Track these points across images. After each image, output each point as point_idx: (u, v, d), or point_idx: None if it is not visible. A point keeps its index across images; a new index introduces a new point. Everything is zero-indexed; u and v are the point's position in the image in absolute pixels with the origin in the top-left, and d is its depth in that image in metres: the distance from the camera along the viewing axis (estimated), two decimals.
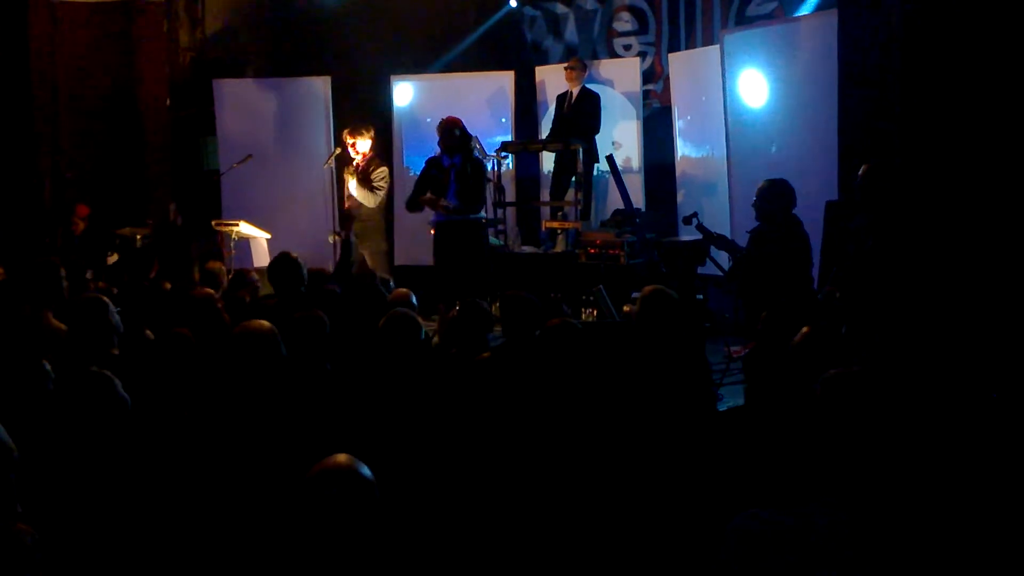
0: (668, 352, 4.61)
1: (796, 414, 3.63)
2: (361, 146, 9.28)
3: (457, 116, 8.52)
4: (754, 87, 9.21)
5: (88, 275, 9.17)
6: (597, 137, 10.17)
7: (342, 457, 2.75)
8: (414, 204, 8.47)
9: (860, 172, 6.50)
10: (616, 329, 6.94)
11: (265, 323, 4.09)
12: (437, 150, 8.46)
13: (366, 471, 2.71)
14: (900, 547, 2.44)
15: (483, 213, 8.53)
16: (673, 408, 4.17)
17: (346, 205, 9.40)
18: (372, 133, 9.39)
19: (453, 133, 8.28)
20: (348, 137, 9.36)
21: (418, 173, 9.09)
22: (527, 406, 4.03)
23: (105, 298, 4.95)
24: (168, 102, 11.96)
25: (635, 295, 5.84)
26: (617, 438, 3.90)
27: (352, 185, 9.19)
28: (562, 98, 10.47)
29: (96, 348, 4.65)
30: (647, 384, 4.29)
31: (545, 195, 10.99)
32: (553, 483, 3.64)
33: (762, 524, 2.44)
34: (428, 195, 8.31)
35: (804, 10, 9.79)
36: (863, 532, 2.41)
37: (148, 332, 5.22)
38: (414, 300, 5.91)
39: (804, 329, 4.11)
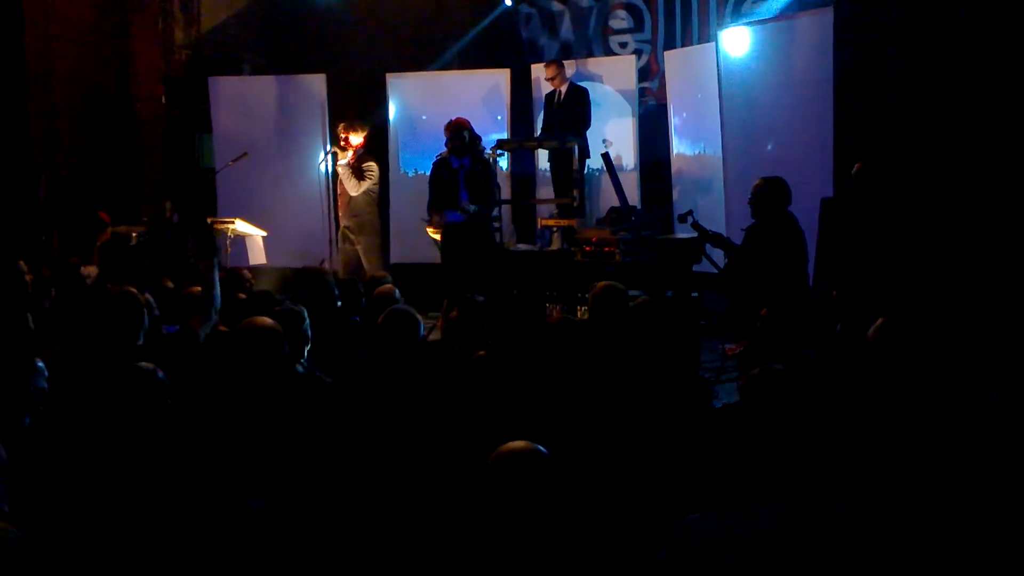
0: (631, 351, 4.61)
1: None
2: (353, 140, 9.31)
3: (453, 114, 8.56)
4: (750, 84, 9.21)
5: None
6: (589, 134, 10.18)
7: (520, 443, 2.77)
8: (431, 215, 8.59)
9: (854, 170, 6.52)
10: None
11: (268, 320, 4.10)
12: (443, 150, 8.51)
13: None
14: (850, 549, 2.42)
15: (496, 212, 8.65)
16: (661, 405, 4.17)
17: (340, 202, 9.43)
18: (367, 132, 9.41)
19: (462, 135, 8.34)
20: (343, 131, 9.39)
21: (414, 171, 9.18)
22: (523, 403, 4.03)
23: (136, 291, 4.98)
24: (164, 99, 11.94)
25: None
26: (606, 434, 3.90)
27: (342, 164, 9.25)
28: (551, 96, 10.47)
29: (124, 341, 4.68)
30: (625, 382, 4.28)
31: (540, 192, 10.99)
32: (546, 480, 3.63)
33: (706, 525, 2.43)
34: (435, 218, 8.41)
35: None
36: (811, 533, 2.39)
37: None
38: (398, 295, 5.89)
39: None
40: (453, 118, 8.57)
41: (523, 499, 2.66)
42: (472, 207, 8.22)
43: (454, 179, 8.34)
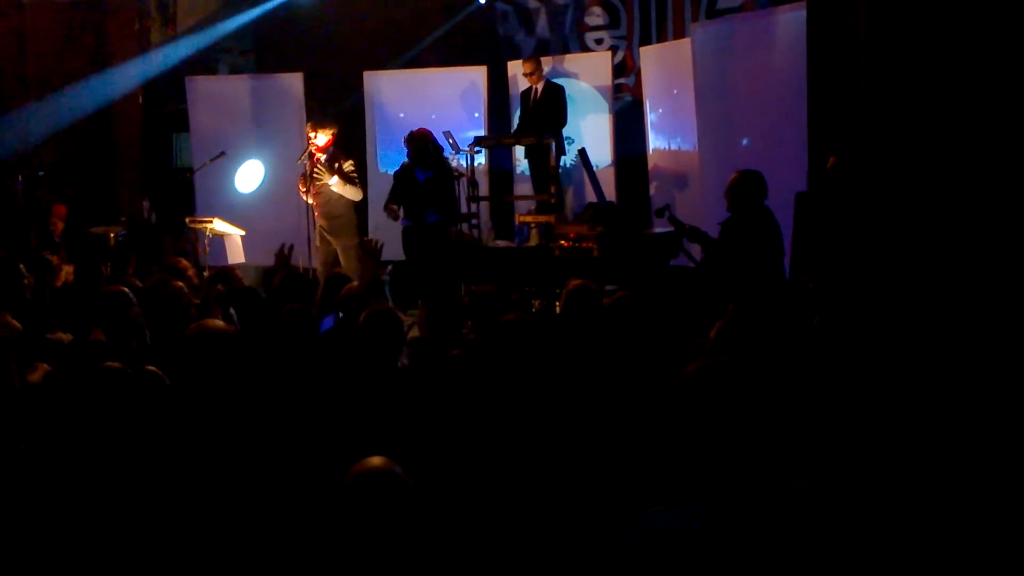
0: (599, 347, 4.65)
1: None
2: (319, 140, 9.30)
3: (430, 111, 8.64)
4: (724, 80, 9.27)
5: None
6: (565, 130, 10.24)
7: (377, 460, 2.77)
8: (387, 210, 8.79)
9: (829, 164, 6.59)
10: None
11: (219, 322, 4.11)
12: (406, 160, 8.66)
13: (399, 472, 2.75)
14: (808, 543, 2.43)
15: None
16: (640, 399, 4.21)
17: (310, 201, 9.39)
18: (335, 130, 9.41)
19: (427, 148, 8.46)
20: (310, 130, 9.41)
21: (390, 170, 9.22)
22: (492, 402, 4.07)
23: (127, 290, 5.01)
24: (140, 99, 11.91)
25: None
26: (582, 429, 3.94)
27: (334, 181, 9.20)
28: (527, 93, 10.50)
29: (119, 342, 4.69)
30: (601, 377, 4.32)
31: (518, 189, 11.03)
32: (520, 479, 3.67)
33: (665, 520, 2.43)
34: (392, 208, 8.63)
35: None
36: (777, 526, 2.40)
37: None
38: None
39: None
40: (414, 129, 8.72)
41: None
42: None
43: (418, 190, 8.52)
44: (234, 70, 12.30)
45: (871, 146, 7.17)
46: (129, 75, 11.72)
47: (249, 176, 11.18)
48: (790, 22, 8.60)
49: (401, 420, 3.97)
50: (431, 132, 8.64)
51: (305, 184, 9.24)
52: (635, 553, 2.38)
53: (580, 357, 4.53)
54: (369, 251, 5.82)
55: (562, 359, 4.41)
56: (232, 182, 10.92)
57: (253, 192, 11.03)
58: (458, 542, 3.16)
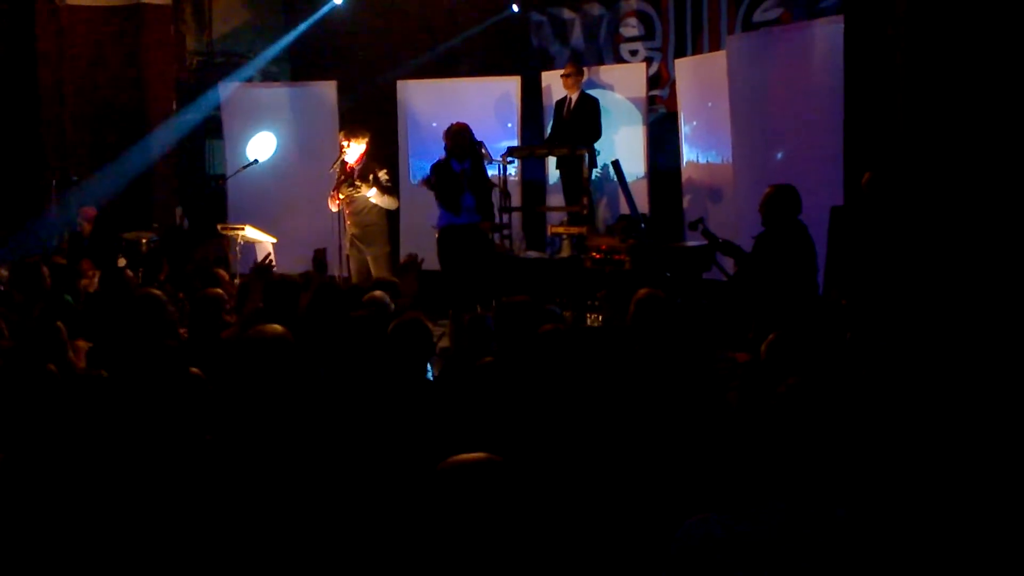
0: (665, 356, 4.61)
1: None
2: (353, 151, 9.23)
3: (463, 121, 8.60)
4: (760, 93, 9.20)
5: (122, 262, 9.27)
6: (599, 144, 10.18)
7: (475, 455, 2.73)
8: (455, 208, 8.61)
9: (863, 180, 6.52)
10: (619, 333, 6.94)
11: (278, 327, 4.09)
12: (442, 155, 8.55)
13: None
14: (856, 552, 2.42)
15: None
16: (673, 412, 4.17)
17: (335, 209, 9.38)
18: (368, 138, 9.37)
19: (463, 139, 8.37)
20: (343, 139, 9.38)
21: (421, 178, 9.19)
22: (525, 411, 4.04)
23: (160, 293, 5.04)
24: (175, 105, 11.99)
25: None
26: (613, 443, 3.90)
27: (372, 193, 9.17)
28: (561, 103, 10.46)
29: (154, 342, 4.71)
30: (645, 389, 4.28)
31: (551, 200, 10.99)
32: (550, 489, 3.63)
33: (711, 529, 2.43)
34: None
35: None
36: (818, 536, 2.39)
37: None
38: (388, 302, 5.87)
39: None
40: (453, 123, 8.66)
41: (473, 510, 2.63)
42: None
43: (457, 183, 8.40)
44: (267, 78, 12.35)
45: (908, 162, 7.08)
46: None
47: (262, 146, 11.20)
48: (827, 35, 8.52)
49: (431, 430, 3.94)
50: (468, 126, 8.58)
51: (338, 193, 9.21)
52: (677, 560, 2.38)
53: (645, 365, 4.49)
54: (408, 265, 5.77)
55: (632, 367, 4.38)
56: (264, 189, 10.94)
57: (266, 162, 10.98)
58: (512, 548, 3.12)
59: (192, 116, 11.94)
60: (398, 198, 9.54)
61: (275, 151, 11.26)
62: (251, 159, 10.32)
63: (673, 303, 5.09)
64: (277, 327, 4.09)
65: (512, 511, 2.58)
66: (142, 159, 11.64)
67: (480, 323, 5.14)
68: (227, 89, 11.46)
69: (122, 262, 9.46)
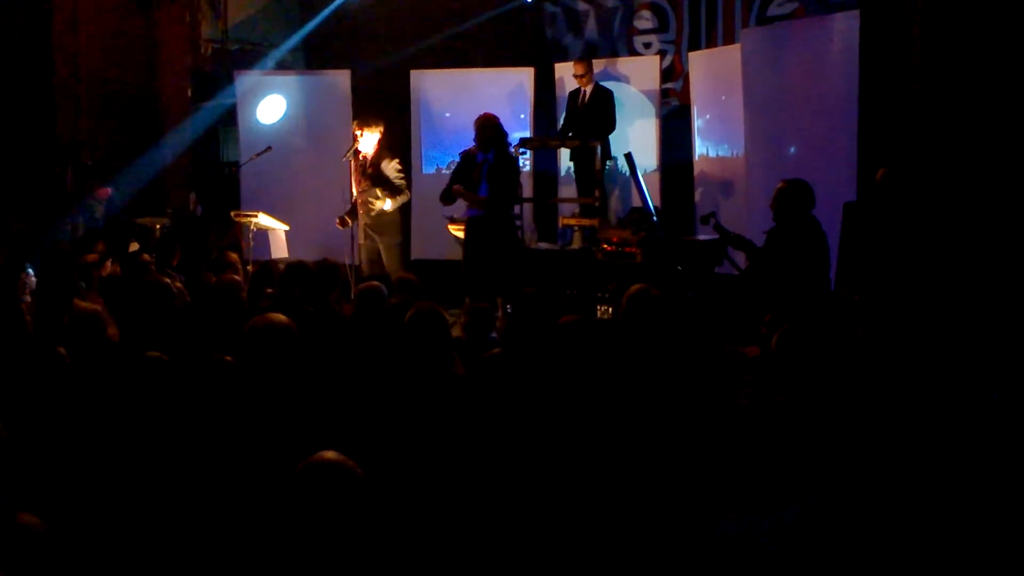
0: (658, 352, 4.61)
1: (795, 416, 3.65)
2: (367, 140, 9.25)
3: (476, 111, 8.63)
4: (774, 86, 9.18)
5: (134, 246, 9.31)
6: (612, 136, 10.17)
7: (330, 453, 2.81)
8: (447, 195, 8.56)
9: (877, 176, 6.50)
10: (609, 327, 6.95)
11: (282, 316, 4.11)
12: (469, 146, 8.58)
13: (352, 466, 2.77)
14: (887, 550, 2.44)
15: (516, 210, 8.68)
16: (680, 405, 4.18)
17: (354, 199, 9.41)
18: (382, 127, 9.38)
19: (489, 129, 8.37)
20: (356, 128, 9.39)
21: (435, 169, 9.18)
22: (539, 402, 4.05)
23: (168, 281, 5.09)
24: (189, 93, 12.00)
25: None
26: (622, 435, 3.91)
27: (388, 206, 9.20)
28: (575, 94, 10.45)
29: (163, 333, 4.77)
30: (649, 382, 4.29)
31: (563, 192, 10.99)
32: (559, 481, 3.65)
33: (746, 528, 2.44)
34: (459, 186, 8.41)
35: None
36: (847, 534, 2.41)
37: None
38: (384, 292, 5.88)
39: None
40: (482, 113, 8.65)
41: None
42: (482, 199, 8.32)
43: (475, 172, 8.41)
44: (282, 66, 12.36)
45: (923, 158, 7.07)
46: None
47: (271, 109, 11.21)
48: (843, 29, 8.49)
49: (450, 421, 3.96)
50: (496, 117, 8.59)
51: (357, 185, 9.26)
52: (714, 556, 2.40)
53: (641, 360, 4.50)
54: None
55: (623, 362, 4.38)
56: (278, 177, 10.95)
57: (275, 124, 10.96)
58: (517, 542, 3.15)
59: (213, 106, 11.97)
60: (409, 190, 9.54)
61: (283, 114, 11.27)
62: (265, 146, 10.32)
63: (668, 299, 5.06)
64: (282, 316, 4.12)
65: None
66: (160, 152, 11.69)
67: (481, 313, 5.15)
68: (242, 78, 11.47)
69: (134, 247, 9.49)
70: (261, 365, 3.89)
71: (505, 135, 8.55)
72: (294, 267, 5.94)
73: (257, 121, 11.28)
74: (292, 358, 3.96)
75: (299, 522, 2.69)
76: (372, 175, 9.22)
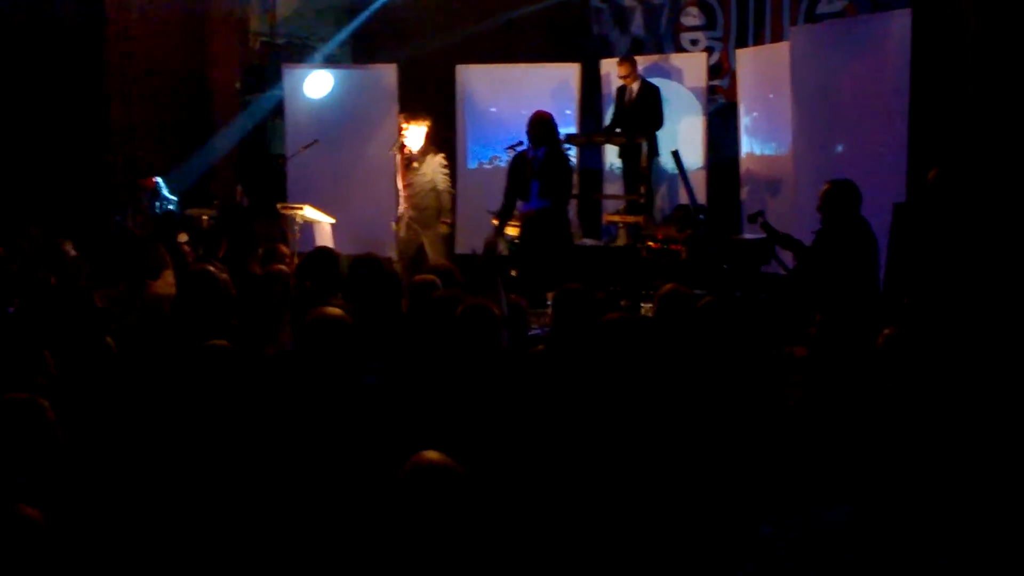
0: (691, 352, 4.59)
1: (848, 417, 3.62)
2: (413, 135, 9.29)
3: (522, 107, 8.67)
4: (823, 84, 9.10)
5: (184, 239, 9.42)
6: (660, 132, 10.14)
7: (432, 454, 2.78)
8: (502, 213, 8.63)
9: (929, 177, 6.43)
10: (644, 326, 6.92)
11: (336, 309, 4.16)
12: (515, 142, 8.62)
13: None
14: (930, 551, 2.42)
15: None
16: (730, 405, 4.16)
17: (403, 194, 9.46)
18: (428, 121, 9.40)
19: (540, 126, 8.40)
20: (402, 122, 9.43)
21: (478, 163, 9.17)
22: (581, 400, 4.05)
23: (214, 270, 5.15)
24: (238, 86, 12.10)
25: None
26: (665, 434, 3.91)
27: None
28: (622, 91, 10.43)
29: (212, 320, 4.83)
30: (690, 381, 4.28)
31: (608, 188, 10.97)
32: (603, 478, 3.65)
33: (790, 527, 2.44)
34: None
35: None
36: (893, 536, 2.40)
37: None
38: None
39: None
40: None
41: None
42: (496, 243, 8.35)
43: (526, 169, 8.44)
44: (329, 60, 12.43)
45: (975, 159, 6.99)
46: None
47: (318, 85, 11.30)
48: (894, 27, 8.41)
49: (498, 415, 3.98)
50: (550, 115, 8.60)
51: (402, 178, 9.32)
52: (763, 551, 2.40)
53: (672, 360, 4.48)
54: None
55: (655, 362, 4.37)
56: (324, 170, 11.01)
57: (327, 144, 11.03)
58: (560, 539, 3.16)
59: (262, 99, 12.08)
60: (453, 185, 9.56)
61: (331, 90, 11.34)
62: (312, 140, 10.38)
63: (702, 298, 5.04)
64: (336, 310, 4.16)
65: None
66: (210, 145, 11.82)
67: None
68: (290, 72, 11.54)
69: (183, 237, 9.59)
70: (316, 356, 3.94)
71: (557, 133, 8.55)
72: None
73: (304, 113, 11.35)
74: (347, 350, 4.00)
75: (407, 525, 2.66)
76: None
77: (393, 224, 9.62)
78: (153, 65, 11.70)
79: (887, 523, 2.41)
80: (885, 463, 2.67)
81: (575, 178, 10.73)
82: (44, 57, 11.13)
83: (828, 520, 2.42)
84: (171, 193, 10.95)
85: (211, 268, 5.48)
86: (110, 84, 11.47)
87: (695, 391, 4.20)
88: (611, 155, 10.86)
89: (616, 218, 9.83)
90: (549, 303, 5.93)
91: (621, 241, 9.62)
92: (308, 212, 9.77)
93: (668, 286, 5.06)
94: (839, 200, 6.45)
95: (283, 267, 5.97)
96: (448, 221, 9.18)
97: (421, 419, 3.95)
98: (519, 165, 8.49)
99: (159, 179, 10.93)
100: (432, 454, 2.77)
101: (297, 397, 3.89)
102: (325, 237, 9.96)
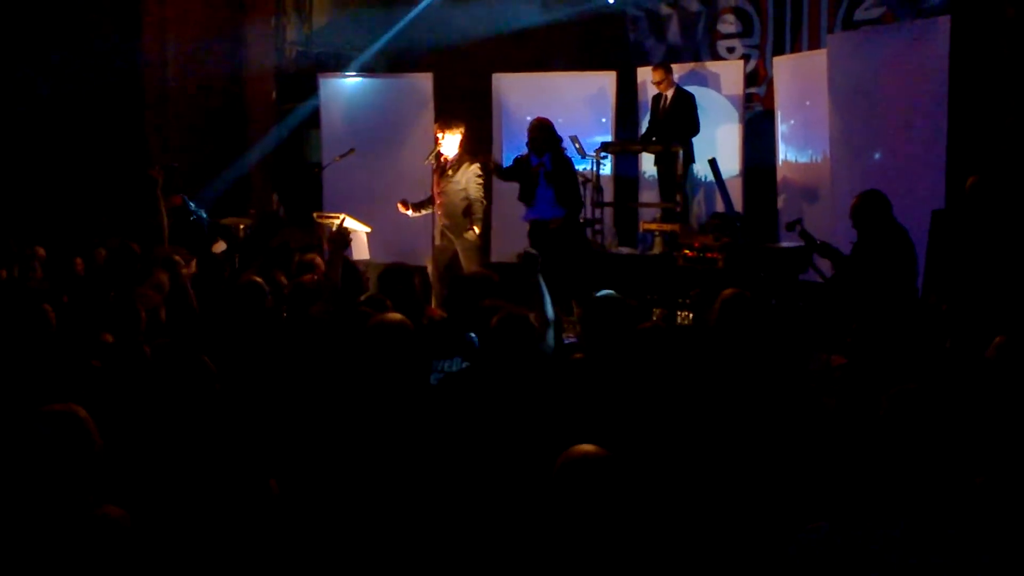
0: (752, 358, 4.56)
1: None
2: (448, 143, 9.29)
3: (557, 115, 8.67)
4: (860, 92, 9.03)
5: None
6: (696, 139, 10.10)
7: (587, 446, 2.86)
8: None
9: (968, 184, 6.38)
10: (705, 334, 6.89)
11: (397, 315, 4.19)
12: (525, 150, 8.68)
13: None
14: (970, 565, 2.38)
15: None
16: (766, 413, 4.13)
17: (436, 201, 9.47)
18: (463, 129, 9.40)
19: (540, 133, 8.44)
20: (437, 130, 9.45)
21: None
22: (617, 408, 4.04)
23: (260, 280, 5.22)
24: (274, 95, 12.18)
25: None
26: (701, 441, 3.89)
27: (476, 230, 9.26)
28: (657, 99, 10.41)
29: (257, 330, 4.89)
30: (733, 389, 4.25)
31: (643, 196, 10.95)
32: (644, 485, 3.63)
33: (827, 538, 2.41)
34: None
35: None
36: (930, 549, 2.36)
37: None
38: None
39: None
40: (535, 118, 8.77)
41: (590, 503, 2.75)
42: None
43: (533, 177, 8.49)
44: (364, 69, 12.48)
45: (1014, 167, 6.92)
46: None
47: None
48: (933, 34, 8.34)
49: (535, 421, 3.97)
50: (550, 121, 8.64)
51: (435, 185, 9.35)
52: (796, 565, 2.37)
53: (736, 366, 4.46)
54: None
55: (718, 367, 4.36)
56: (360, 179, 11.05)
57: (362, 153, 11.03)
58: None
59: (298, 109, 12.18)
60: (489, 194, 9.56)
61: (367, 99, 11.46)
62: (348, 148, 10.42)
63: (761, 303, 5.00)
64: (397, 315, 4.19)
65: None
66: (246, 154, 11.92)
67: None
68: (326, 82, 11.60)
69: (221, 246, 9.64)
70: (380, 361, 3.99)
71: (559, 139, 8.63)
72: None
73: (340, 123, 11.40)
74: (410, 354, 4.05)
75: (569, 516, 2.76)
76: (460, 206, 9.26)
77: (400, 204, 9.65)
78: (189, 75, 11.79)
79: (942, 539, 2.37)
80: (928, 474, 2.64)
81: (611, 186, 10.76)
82: (81, 73, 11.25)
83: (882, 536, 2.38)
84: (197, 208, 11.02)
85: (259, 280, 5.54)
86: (146, 93, 11.57)
87: (737, 398, 4.18)
88: (647, 163, 10.84)
89: (652, 226, 9.80)
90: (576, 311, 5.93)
91: (657, 249, 9.59)
92: (346, 221, 9.79)
93: (730, 290, 5.00)
94: (869, 211, 6.43)
95: (314, 277, 5.98)
96: (478, 229, 9.14)
97: (480, 421, 3.98)
98: (517, 167, 8.59)
99: (184, 196, 10.99)
100: (586, 447, 2.86)
101: (364, 400, 3.93)
102: (361, 246, 9.97)
